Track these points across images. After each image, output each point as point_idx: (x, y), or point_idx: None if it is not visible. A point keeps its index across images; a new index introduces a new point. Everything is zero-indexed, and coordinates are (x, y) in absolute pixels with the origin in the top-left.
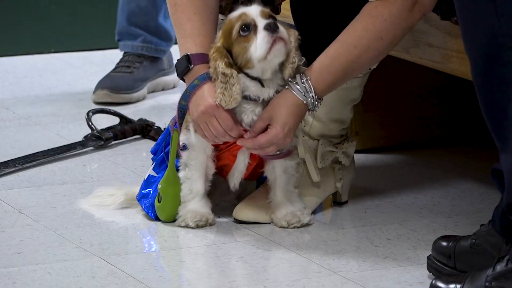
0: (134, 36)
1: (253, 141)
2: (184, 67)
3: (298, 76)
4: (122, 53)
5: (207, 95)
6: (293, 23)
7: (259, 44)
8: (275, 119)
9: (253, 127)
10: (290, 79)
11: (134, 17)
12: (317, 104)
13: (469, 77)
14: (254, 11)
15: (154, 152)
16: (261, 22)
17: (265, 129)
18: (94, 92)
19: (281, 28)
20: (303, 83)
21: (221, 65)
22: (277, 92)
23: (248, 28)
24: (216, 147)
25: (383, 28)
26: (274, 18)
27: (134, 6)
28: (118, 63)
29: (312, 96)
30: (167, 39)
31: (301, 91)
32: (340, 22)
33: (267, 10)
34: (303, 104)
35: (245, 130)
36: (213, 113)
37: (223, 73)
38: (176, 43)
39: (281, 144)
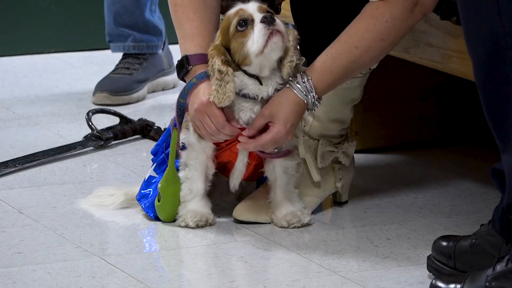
0: (124, 36)
1: (256, 141)
2: (183, 68)
3: (299, 75)
4: (121, 53)
5: (201, 93)
6: (293, 23)
7: (256, 37)
8: (277, 117)
9: (252, 124)
10: (290, 78)
11: (121, 18)
12: (317, 104)
13: (469, 77)
14: (251, 7)
15: (155, 153)
16: (258, 17)
17: (264, 127)
18: (93, 94)
19: (278, 21)
20: (304, 82)
21: (217, 62)
22: (276, 90)
23: (246, 23)
24: (217, 145)
25: (385, 29)
26: (272, 13)
27: (119, 7)
28: (117, 65)
29: (313, 96)
30: (157, 33)
31: (302, 90)
32: (340, 22)
33: (265, 6)
34: (303, 103)
35: (242, 128)
36: (205, 111)
37: (219, 70)
38: (169, 39)
39: (282, 141)
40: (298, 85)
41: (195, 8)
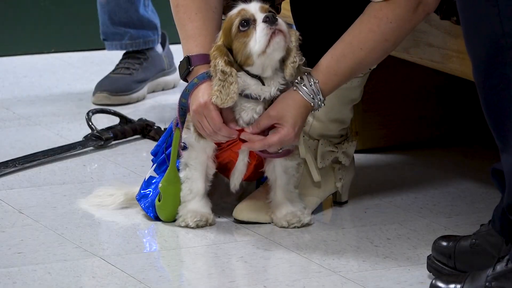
0: (120, 35)
1: (264, 141)
2: (185, 69)
3: (305, 78)
4: (122, 53)
5: (200, 94)
6: (293, 23)
7: (258, 37)
8: (286, 119)
9: (257, 123)
10: (296, 80)
11: (116, 15)
12: (322, 105)
13: (469, 77)
14: (253, 7)
15: (155, 153)
16: (260, 17)
17: (269, 127)
18: (93, 94)
19: (280, 21)
20: (311, 85)
21: (220, 63)
22: (280, 91)
23: (248, 23)
24: (218, 145)
25: (389, 29)
26: (274, 13)
27: (113, 5)
28: (117, 65)
29: (320, 99)
30: (152, 28)
31: (309, 94)
32: (341, 22)
33: (267, 6)
34: (310, 106)
35: (240, 130)
36: (203, 112)
37: (222, 71)
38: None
39: (289, 143)
40: (305, 88)
41: (196, 8)
